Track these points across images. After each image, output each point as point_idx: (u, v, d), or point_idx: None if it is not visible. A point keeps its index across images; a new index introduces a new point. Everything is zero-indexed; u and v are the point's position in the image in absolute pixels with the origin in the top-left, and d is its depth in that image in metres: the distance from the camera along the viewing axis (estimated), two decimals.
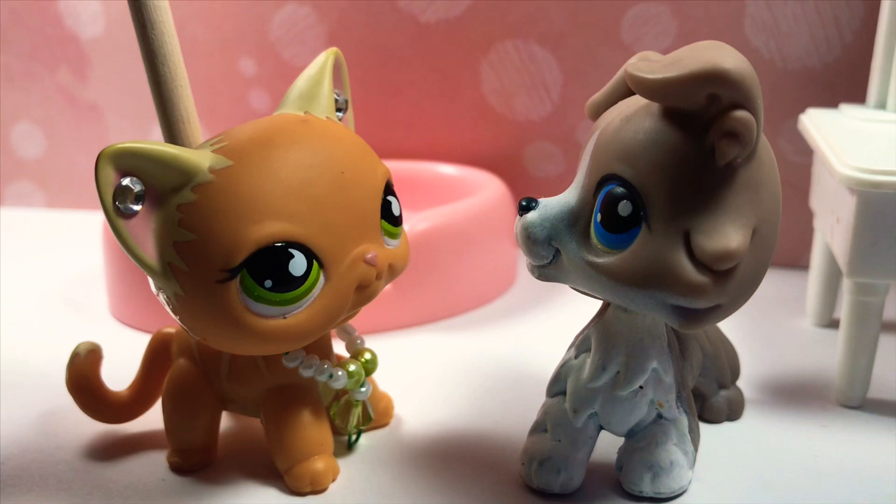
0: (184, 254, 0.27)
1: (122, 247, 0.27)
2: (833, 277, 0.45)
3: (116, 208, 0.27)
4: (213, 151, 0.28)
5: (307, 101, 0.32)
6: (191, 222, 0.27)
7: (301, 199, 0.28)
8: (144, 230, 0.27)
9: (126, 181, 0.27)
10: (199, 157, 0.28)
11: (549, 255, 0.28)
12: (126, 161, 0.27)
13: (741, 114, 0.24)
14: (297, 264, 0.28)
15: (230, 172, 0.28)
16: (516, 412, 0.37)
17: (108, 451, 0.34)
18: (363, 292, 0.30)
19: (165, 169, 0.27)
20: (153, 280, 0.29)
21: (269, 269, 0.27)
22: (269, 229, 0.27)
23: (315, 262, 0.28)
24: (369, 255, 0.29)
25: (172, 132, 0.31)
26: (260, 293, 0.27)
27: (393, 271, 0.31)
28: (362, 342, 0.34)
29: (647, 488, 0.30)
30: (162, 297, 0.29)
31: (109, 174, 0.26)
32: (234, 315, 0.28)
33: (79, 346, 0.34)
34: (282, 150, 0.28)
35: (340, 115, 0.33)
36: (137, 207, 0.27)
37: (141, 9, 0.30)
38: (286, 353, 0.31)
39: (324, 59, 0.33)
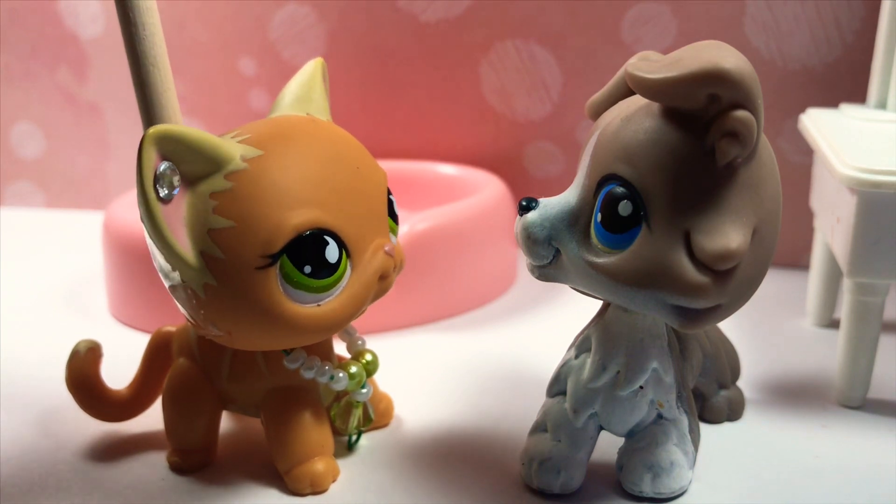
0: (220, 241, 0.27)
1: (156, 237, 0.27)
2: (833, 277, 0.45)
3: (156, 194, 0.26)
4: (238, 142, 0.28)
5: (304, 105, 0.32)
6: (227, 210, 0.27)
7: (329, 190, 0.28)
8: (175, 219, 0.27)
9: (163, 166, 0.26)
10: (231, 146, 0.28)
11: (549, 255, 0.28)
12: (168, 145, 0.26)
13: (741, 114, 0.24)
14: (332, 251, 0.28)
15: (262, 161, 0.28)
16: (516, 412, 0.37)
17: (108, 451, 0.34)
18: (383, 283, 0.30)
19: (202, 156, 0.27)
20: (181, 272, 0.28)
21: (308, 254, 0.28)
22: (306, 216, 0.27)
23: (343, 250, 0.28)
24: (388, 247, 0.30)
25: None
26: (299, 279, 0.28)
27: (398, 267, 0.31)
28: (363, 343, 0.34)
29: (648, 488, 0.30)
30: (183, 293, 0.28)
31: (152, 156, 0.26)
32: (272, 302, 0.28)
33: (78, 344, 0.34)
34: (303, 143, 0.29)
35: None
36: (175, 193, 0.27)
37: (128, 11, 0.30)
38: (288, 354, 0.31)
39: (313, 67, 0.33)
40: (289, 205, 0.27)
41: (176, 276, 0.28)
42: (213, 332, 0.29)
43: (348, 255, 0.29)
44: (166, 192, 0.27)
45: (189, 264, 0.27)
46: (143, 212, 0.26)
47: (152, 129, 0.26)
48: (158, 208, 0.26)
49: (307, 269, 0.28)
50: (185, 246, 0.27)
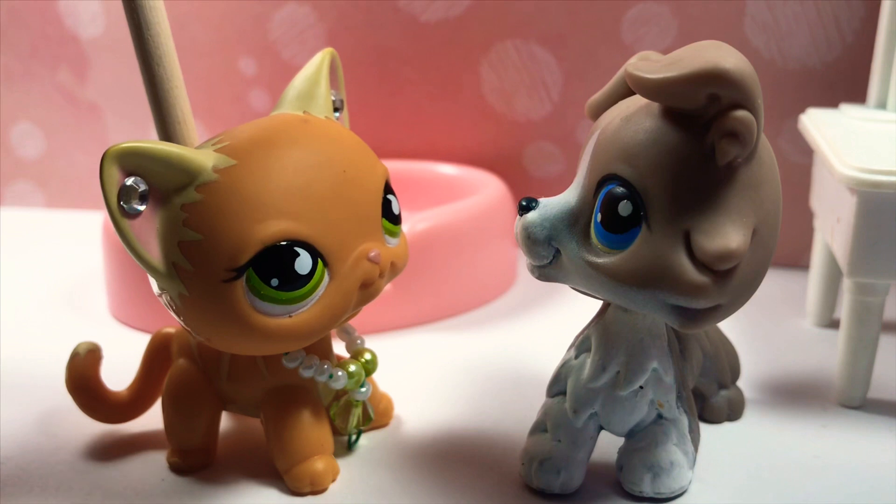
0: (189, 254, 0.27)
1: (126, 248, 0.27)
2: (833, 277, 0.45)
3: (121, 208, 0.26)
4: (215, 151, 0.28)
5: (305, 101, 0.32)
6: (196, 222, 0.27)
7: (305, 198, 0.28)
8: (148, 230, 0.27)
9: (130, 181, 0.27)
10: (203, 157, 0.28)
11: (549, 255, 0.28)
12: (131, 161, 0.26)
13: (741, 114, 0.24)
14: (303, 263, 0.28)
15: (234, 171, 0.28)
16: (516, 412, 0.37)
17: (108, 451, 0.34)
18: (366, 290, 0.30)
19: (170, 168, 0.27)
20: (157, 281, 0.28)
21: (275, 267, 0.27)
22: (275, 228, 0.27)
23: (320, 260, 0.28)
24: (372, 254, 0.29)
25: (168, 133, 0.31)
26: (266, 292, 0.27)
27: (394, 270, 0.31)
28: (362, 342, 0.34)
29: (648, 488, 0.30)
30: (165, 299, 0.29)
31: (114, 174, 0.26)
32: (240, 314, 0.28)
33: (78, 346, 0.34)
34: (284, 149, 0.28)
35: (337, 115, 0.33)
36: (142, 207, 0.27)
37: (136, 10, 0.30)
38: (286, 354, 0.31)
39: (320, 60, 0.33)
40: (257, 217, 0.27)
41: (155, 284, 0.29)
42: (195, 336, 0.30)
43: (325, 264, 0.28)
44: (130, 206, 0.27)
45: (161, 275, 0.28)
46: (113, 226, 0.27)
47: (112, 148, 0.26)
48: (125, 223, 0.27)
49: (274, 282, 0.27)
50: (156, 257, 0.27)
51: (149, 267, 0.27)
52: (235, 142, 0.29)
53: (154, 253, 0.27)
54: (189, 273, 0.27)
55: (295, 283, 0.28)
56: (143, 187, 0.27)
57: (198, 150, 0.28)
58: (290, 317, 0.28)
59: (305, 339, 0.29)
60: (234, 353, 0.31)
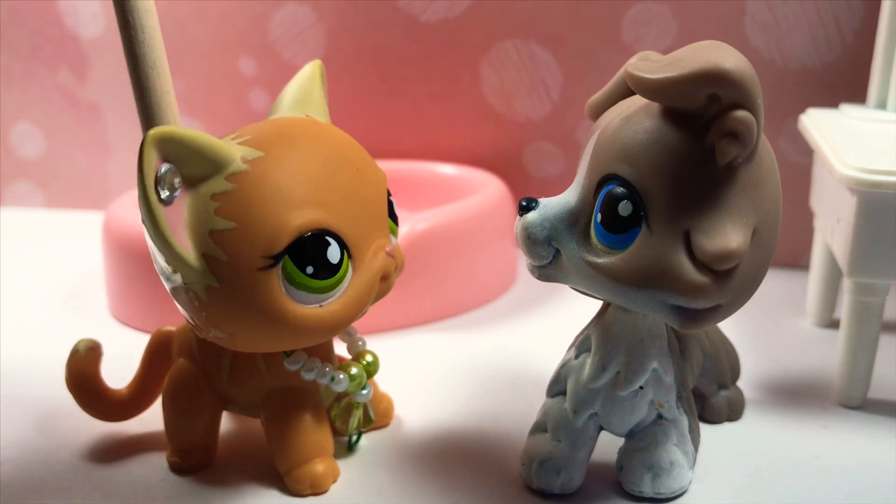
0: (222, 243, 0.27)
1: (157, 240, 0.27)
2: (833, 277, 0.45)
3: (158, 196, 0.26)
4: (238, 144, 0.28)
5: (303, 106, 0.32)
6: (228, 211, 0.27)
7: (331, 190, 0.28)
8: (176, 221, 0.27)
9: (165, 167, 0.26)
10: (232, 148, 0.28)
11: (549, 255, 0.28)
12: (169, 147, 0.26)
13: (741, 114, 0.24)
14: (333, 252, 0.28)
15: (264, 162, 0.28)
16: (516, 412, 0.37)
17: (108, 451, 0.34)
18: (384, 284, 0.30)
19: (201, 157, 0.27)
20: (183, 274, 0.28)
21: (310, 255, 0.28)
22: (308, 216, 0.27)
23: (345, 251, 0.28)
24: (389, 248, 0.30)
25: None
26: (301, 280, 0.28)
27: (399, 268, 0.31)
28: (364, 344, 0.34)
29: (648, 488, 0.30)
30: (185, 296, 0.28)
31: (153, 158, 0.26)
32: (274, 303, 0.28)
33: (78, 343, 0.34)
34: (305, 144, 0.29)
35: None
36: (176, 195, 0.27)
37: (126, 12, 0.30)
38: (288, 356, 0.31)
39: (311, 69, 0.33)
40: (290, 205, 0.27)
41: (178, 278, 0.28)
42: (215, 334, 0.29)
43: (350, 256, 0.29)
44: (167, 193, 0.26)
45: (191, 266, 0.27)
46: (144, 214, 0.26)
47: (153, 131, 0.26)
48: (160, 210, 0.26)
49: (309, 269, 0.28)
50: (186, 248, 0.27)
51: (178, 259, 0.27)
52: (257, 136, 0.29)
53: (184, 244, 0.27)
54: (221, 263, 0.27)
55: (327, 271, 0.28)
56: (177, 176, 0.27)
57: (224, 141, 0.28)
58: (320, 307, 0.28)
59: (333, 329, 0.29)
60: (255, 350, 0.31)
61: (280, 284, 0.27)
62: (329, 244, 0.28)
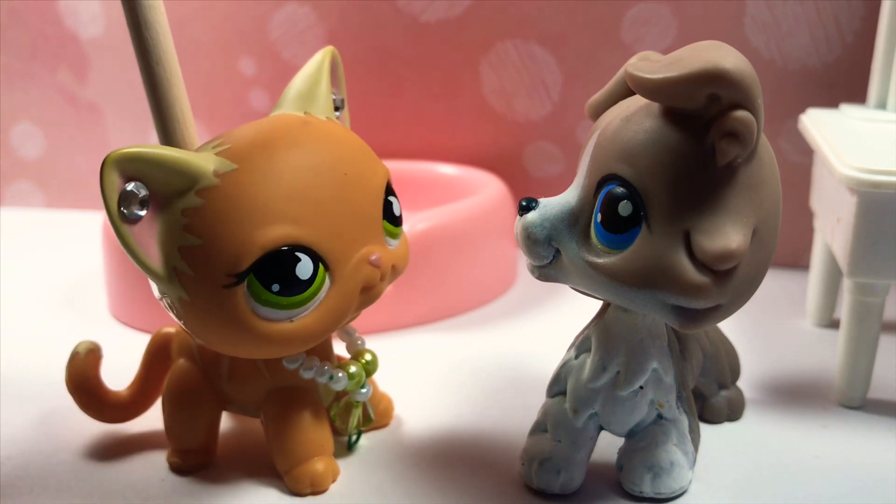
0: (189, 259, 0.27)
1: (127, 253, 0.27)
2: (833, 277, 0.45)
3: (121, 214, 0.26)
4: (215, 154, 0.28)
5: (306, 101, 0.31)
6: (197, 227, 0.27)
7: (306, 202, 0.28)
8: (149, 235, 0.27)
9: (130, 186, 0.26)
10: (204, 161, 0.28)
11: (549, 255, 0.28)
12: (131, 166, 0.26)
13: (741, 114, 0.24)
14: (304, 268, 0.27)
15: (235, 176, 0.27)
16: (516, 412, 0.37)
17: (108, 452, 0.34)
18: (367, 294, 0.30)
19: (170, 173, 0.27)
20: (157, 285, 0.28)
21: (276, 273, 0.27)
22: (276, 233, 0.27)
23: (321, 264, 0.28)
24: (373, 257, 0.29)
25: (168, 133, 0.31)
26: (267, 297, 0.27)
27: (395, 272, 0.31)
28: (363, 343, 0.34)
29: (648, 488, 0.30)
30: (165, 302, 0.29)
31: (114, 179, 0.26)
32: (240, 319, 0.27)
33: (78, 346, 0.34)
34: (284, 152, 0.28)
35: (337, 114, 0.33)
36: (142, 212, 0.27)
37: (135, 9, 0.30)
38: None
39: (320, 58, 0.32)
40: (258, 222, 0.27)
41: (156, 287, 0.29)
42: (196, 340, 0.30)
43: (327, 269, 0.28)
44: (132, 211, 0.27)
45: (161, 279, 0.27)
46: (113, 231, 0.27)
47: (112, 154, 0.26)
48: (125, 228, 0.27)
49: (275, 287, 0.27)
50: (157, 261, 0.27)
51: (149, 272, 0.27)
52: (236, 145, 0.28)
53: (155, 257, 0.27)
54: (189, 278, 0.27)
55: (296, 288, 0.28)
56: (143, 192, 0.27)
57: (198, 153, 0.28)
58: (291, 321, 0.28)
59: (306, 343, 0.29)
60: (235, 356, 0.31)
61: (245, 301, 0.27)
62: (299, 260, 0.27)
